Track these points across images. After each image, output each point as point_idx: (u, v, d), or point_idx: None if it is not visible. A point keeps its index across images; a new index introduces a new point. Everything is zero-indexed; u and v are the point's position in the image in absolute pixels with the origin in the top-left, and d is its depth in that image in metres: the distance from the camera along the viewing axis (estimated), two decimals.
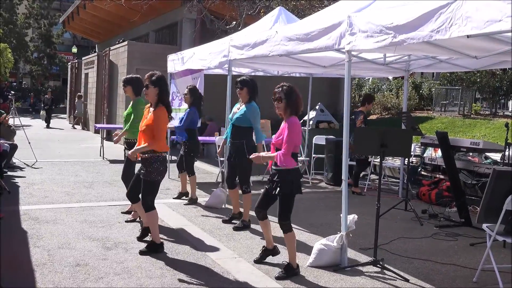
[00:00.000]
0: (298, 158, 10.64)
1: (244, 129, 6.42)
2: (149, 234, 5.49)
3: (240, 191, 6.60)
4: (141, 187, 5.26)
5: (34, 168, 10.61)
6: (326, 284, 4.62)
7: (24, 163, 10.91)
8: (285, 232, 4.78)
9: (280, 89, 4.70)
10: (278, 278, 4.67)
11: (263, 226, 5.09)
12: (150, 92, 5.26)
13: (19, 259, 4.91)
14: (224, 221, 6.70)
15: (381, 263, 5.05)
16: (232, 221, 6.66)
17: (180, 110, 9.48)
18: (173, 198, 8.14)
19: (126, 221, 6.52)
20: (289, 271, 4.74)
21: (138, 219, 6.49)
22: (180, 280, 4.53)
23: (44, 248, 5.25)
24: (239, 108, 6.48)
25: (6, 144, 9.83)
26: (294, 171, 4.69)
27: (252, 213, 6.83)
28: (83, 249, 5.30)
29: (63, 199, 7.76)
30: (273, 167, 4.78)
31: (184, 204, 7.78)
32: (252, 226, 6.45)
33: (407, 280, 4.75)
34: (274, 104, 4.75)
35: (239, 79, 6.47)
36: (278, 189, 4.67)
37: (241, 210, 6.63)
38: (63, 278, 4.44)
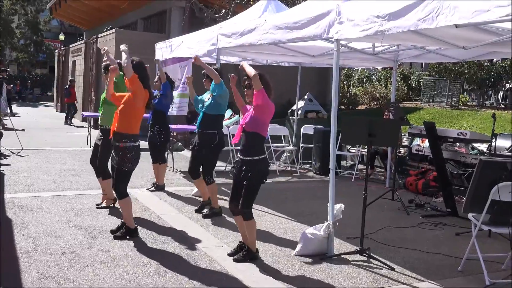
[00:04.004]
0: (286, 148, 10.73)
1: (215, 117, 6.35)
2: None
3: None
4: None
5: (20, 156, 10.49)
6: (312, 272, 4.64)
7: (10, 151, 10.78)
8: (246, 219, 4.76)
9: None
10: (236, 260, 4.79)
11: (239, 222, 4.93)
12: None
13: (4, 247, 4.86)
14: (196, 211, 6.59)
15: (367, 252, 5.07)
16: (203, 210, 6.59)
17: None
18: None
19: (99, 207, 6.54)
20: (248, 255, 4.83)
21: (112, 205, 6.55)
22: (166, 268, 4.52)
23: (29, 236, 5.20)
24: (209, 98, 6.42)
25: None
26: (262, 160, 4.71)
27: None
28: (68, 237, 5.27)
29: (49, 187, 7.70)
30: (240, 156, 4.76)
31: (148, 190, 7.78)
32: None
33: (393, 269, 4.78)
34: (244, 91, 4.79)
35: (204, 70, 6.41)
36: (247, 180, 4.64)
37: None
38: (48, 266, 4.41)
